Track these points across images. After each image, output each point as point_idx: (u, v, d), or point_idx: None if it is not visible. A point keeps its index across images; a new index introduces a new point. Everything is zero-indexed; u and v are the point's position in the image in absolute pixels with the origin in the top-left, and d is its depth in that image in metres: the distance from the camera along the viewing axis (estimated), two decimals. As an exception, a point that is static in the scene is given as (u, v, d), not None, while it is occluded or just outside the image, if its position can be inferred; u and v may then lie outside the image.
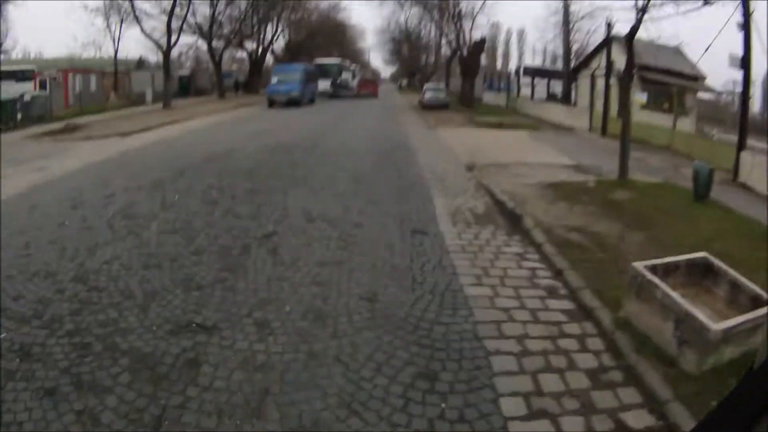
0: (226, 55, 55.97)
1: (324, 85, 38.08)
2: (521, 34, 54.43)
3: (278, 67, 32.05)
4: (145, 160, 11.75)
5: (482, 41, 30.02)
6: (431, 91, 29.14)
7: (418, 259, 5.51)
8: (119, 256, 5.44)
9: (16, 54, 53.57)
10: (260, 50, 41.82)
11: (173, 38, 28.50)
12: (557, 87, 31.80)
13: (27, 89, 25.22)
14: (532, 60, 65.34)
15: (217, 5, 33.68)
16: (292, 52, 49.49)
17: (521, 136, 17.21)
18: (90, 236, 6.12)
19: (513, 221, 7.01)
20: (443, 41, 43.08)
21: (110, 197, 8.02)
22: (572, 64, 28.96)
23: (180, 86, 41.50)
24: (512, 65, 58.89)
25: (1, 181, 8.76)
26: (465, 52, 29.42)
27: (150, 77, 31.71)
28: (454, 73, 47.04)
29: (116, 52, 32.76)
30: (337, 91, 38.22)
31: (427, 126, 19.42)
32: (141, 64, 46.24)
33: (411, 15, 47.71)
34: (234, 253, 5.61)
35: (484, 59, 42.90)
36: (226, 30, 35.74)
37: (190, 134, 16.65)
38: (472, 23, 30.53)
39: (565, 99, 28.32)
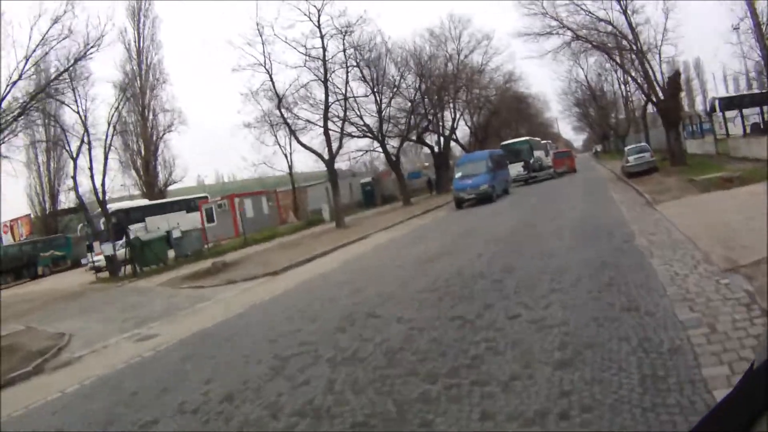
0: (412, 153, 55.16)
1: (516, 169, 33.15)
2: (697, 63, 43.34)
3: (461, 159, 27.57)
4: (268, 321, 8.42)
5: (677, 75, 23.55)
6: (634, 153, 23.29)
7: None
8: None
9: (191, 181, 58.08)
10: (442, 141, 38.30)
11: (335, 145, 26.04)
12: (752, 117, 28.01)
13: (193, 220, 24.91)
14: (717, 89, 53.87)
15: (381, 100, 31.24)
16: (478, 137, 46.04)
17: (760, 193, 11.12)
18: None
19: None
20: (632, 88, 36.16)
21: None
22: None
23: (364, 195, 39.91)
24: (698, 101, 48.00)
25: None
26: (660, 96, 23.06)
27: (325, 191, 29.72)
28: (652, 125, 39.08)
29: (290, 167, 31.54)
30: (532, 174, 32.86)
31: (643, 203, 14.05)
32: (344, 174, 46.48)
33: (589, 66, 41.74)
34: None
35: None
36: (400, 126, 32.93)
37: (347, 267, 12.90)
38: (659, 57, 24.04)
39: None
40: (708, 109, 30.75)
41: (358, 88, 30.66)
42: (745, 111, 25.42)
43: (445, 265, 9.91)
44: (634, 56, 24.42)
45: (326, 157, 25.27)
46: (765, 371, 0.97)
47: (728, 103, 29.08)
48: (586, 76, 47.13)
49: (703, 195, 12.77)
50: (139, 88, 39.02)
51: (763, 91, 28.37)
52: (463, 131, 47.53)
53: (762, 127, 28.71)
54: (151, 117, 39.69)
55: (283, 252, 17.95)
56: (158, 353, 7.65)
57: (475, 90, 41.80)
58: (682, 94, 25.38)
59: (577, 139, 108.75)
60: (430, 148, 37.70)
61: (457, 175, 25.48)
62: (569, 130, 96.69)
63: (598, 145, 70.99)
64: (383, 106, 31.50)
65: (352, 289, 9.24)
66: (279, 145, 29.32)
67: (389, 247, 15.07)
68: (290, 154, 33.40)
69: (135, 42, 39.90)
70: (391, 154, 32.77)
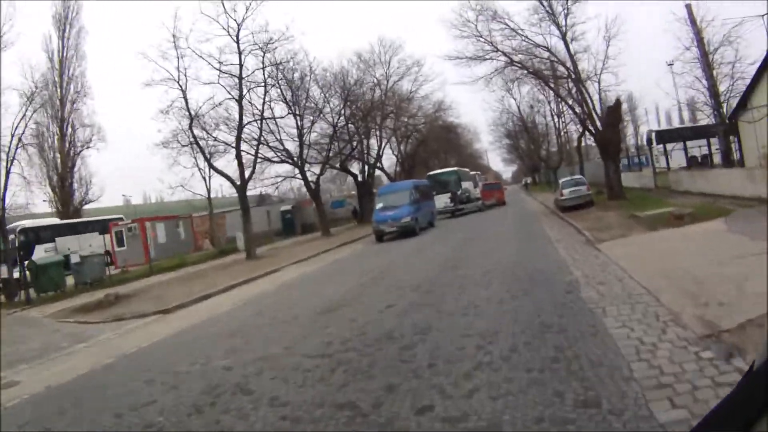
0: (340, 181, 54.06)
1: (442, 200, 32.58)
2: (629, 97, 45.38)
3: (382, 189, 26.37)
4: (126, 383, 6.77)
5: (617, 105, 22.53)
6: (569, 186, 22.36)
7: None
8: None
9: (115, 200, 54.14)
10: (367, 169, 37.42)
11: (249, 170, 24.26)
12: (696, 150, 28.36)
13: (98, 244, 22.72)
14: (655, 122, 56.74)
15: (302, 124, 29.72)
16: (405, 167, 45.63)
17: (719, 232, 10.41)
18: None
19: None
20: (566, 119, 36.78)
21: None
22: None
23: (283, 223, 38.03)
24: (641, 132, 50.45)
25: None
26: (598, 125, 22.33)
27: (241, 218, 28.04)
28: (585, 157, 40.04)
29: (209, 190, 29.37)
30: (459, 207, 32.13)
31: (583, 241, 12.72)
32: (263, 200, 43.72)
33: (522, 97, 42.71)
34: None
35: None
36: (324, 152, 31.77)
37: (240, 312, 10.91)
38: (599, 85, 23.47)
39: (726, 159, 22.58)
40: (645, 141, 30.99)
41: (281, 110, 29.03)
42: (685, 144, 25.62)
43: (348, 318, 8.18)
44: (571, 84, 23.78)
45: (239, 182, 23.38)
46: (765, 371, 0.99)
47: (663, 136, 29.53)
48: (518, 107, 47.59)
49: (652, 233, 11.64)
50: (59, 100, 35.93)
51: (698, 124, 29.31)
52: (390, 160, 46.62)
53: (700, 160, 28.96)
54: (70, 131, 36.56)
55: (184, 285, 16.32)
56: (5, 410, 6.51)
57: (403, 118, 40.94)
58: (622, 125, 24.87)
59: (507, 171, 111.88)
60: (354, 176, 36.58)
61: (378, 205, 23.77)
62: (499, 162, 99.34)
63: (528, 178, 72.99)
64: (304, 130, 30.08)
65: (233, 347, 7.59)
66: (198, 167, 27.50)
67: (293, 286, 13.48)
68: (209, 177, 31.41)
69: (58, 51, 36.83)
70: (312, 181, 31.50)
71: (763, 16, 15.39)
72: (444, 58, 25.16)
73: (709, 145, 26.76)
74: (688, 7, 22.07)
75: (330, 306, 9.49)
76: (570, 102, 25.06)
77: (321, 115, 31.03)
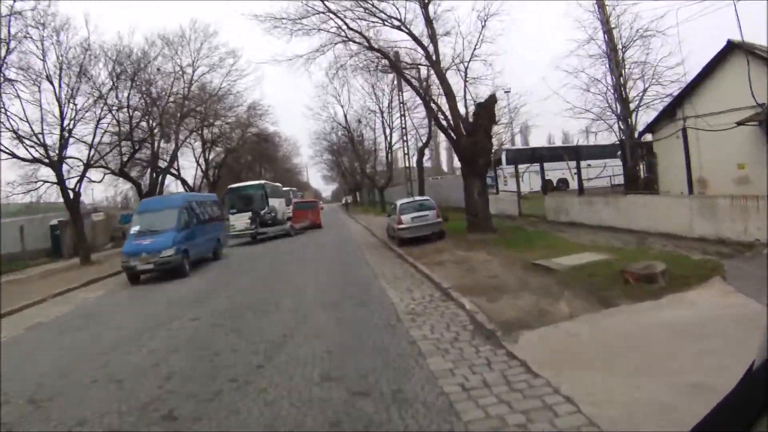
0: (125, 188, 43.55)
1: (243, 221, 26.02)
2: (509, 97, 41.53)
3: (141, 206, 18.04)
4: None
5: (492, 100, 16.88)
6: (411, 211, 16.82)
7: None
8: None
9: None
10: (152, 177, 28.72)
11: None
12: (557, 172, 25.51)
13: None
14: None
15: (63, 111, 21.27)
16: (210, 179, 37.98)
17: (745, 312, 4.11)
18: None
19: None
20: (406, 122, 30.99)
21: None
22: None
23: (53, 240, 27.98)
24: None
25: None
26: (462, 129, 17.15)
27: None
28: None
29: None
30: (262, 230, 25.72)
31: (466, 323, 7.26)
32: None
33: (351, 105, 38.09)
34: None
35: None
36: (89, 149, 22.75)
37: None
38: (465, 75, 18.15)
39: (631, 182, 17.74)
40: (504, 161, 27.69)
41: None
42: (542, 165, 22.05)
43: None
44: (428, 72, 18.68)
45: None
46: (765, 371, 0.97)
47: (516, 156, 26.61)
48: (345, 115, 43.13)
49: (609, 317, 6.50)
50: None
51: (554, 144, 26.38)
52: (194, 173, 39.02)
53: (555, 184, 26.71)
54: None
55: None
56: None
57: (209, 118, 33.89)
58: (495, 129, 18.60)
59: (327, 189, 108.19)
60: (136, 185, 27.93)
61: (133, 229, 16.31)
62: (319, 179, 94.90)
63: (349, 197, 69.16)
64: (68, 119, 21.37)
65: None
66: None
67: None
68: None
69: None
70: (70, 188, 22.36)
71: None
72: (252, 18, 17.71)
73: (542, 170, 24.40)
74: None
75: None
76: (422, 93, 19.67)
77: (105, 103, 22.26)
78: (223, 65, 33.07)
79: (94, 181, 25.27)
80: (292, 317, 8.54)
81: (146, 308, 11.06)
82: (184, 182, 36.02)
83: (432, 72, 18.80)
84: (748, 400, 0.95)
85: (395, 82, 33.64)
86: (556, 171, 25.30)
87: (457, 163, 73.46)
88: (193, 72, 32.27)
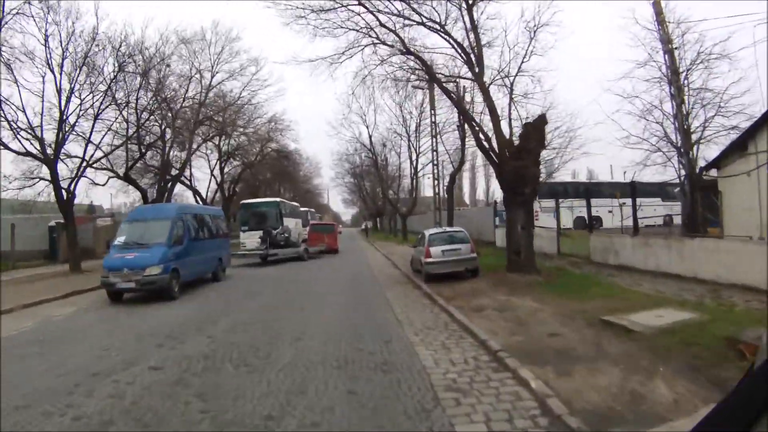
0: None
1: (254, 240, 23.96)
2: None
3: (131, 214, 15.96)
4: None
5: (542, 121, 14.77)
6: (441, 243, 14.57)
7: None
8: None
9: None
10: (160, 185, 26.93)
11: None
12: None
13: None
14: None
15: (62, 103, 19.51)
16: (224, 192, 36.37)
17: None
18: None
19: None
20: (437, 144, 28.12)
21: None
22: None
23: (50, 243, 26.91)
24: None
25: None
26: (506, 153, 14.87)
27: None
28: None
29: None
30: (273, 251, 23.44)
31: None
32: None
33: (376, 126, 35.98)
34: None
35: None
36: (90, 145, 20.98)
37: None
38: (510, 91, 15.81)
39: (691, 223, 16.18)
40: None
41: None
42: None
43: None
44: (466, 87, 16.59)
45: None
46: (765, 372, 0.97)
47: (550, 189, 24.18)
48: (370, 137, 40.93)
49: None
50: None
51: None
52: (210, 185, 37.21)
53: (596, 220, 24.65)
54: None
55: None
56: None
57: (227, 129, 32.10)
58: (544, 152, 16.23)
59: (347, 213, 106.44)
60: (142, 191, 26.05)
61: (117, 240, 13.96)
62: (339, 202, 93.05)
63: (369, 222, 67.01)
64: (70, 112, 19.63)
65: None
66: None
67: None
68: None
69: None
70: (64, 188, 20.63)
71: None
72: (270, 5, 15.25)
73: (588, 206, 21.87)
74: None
75: None
76: (460, 109, 17.46)
77: (113, 99, 20.68)
78: (245, 73, 31.55)
79: (98, 184, 23.50)
80: (285, 381, 6.03)
81: (109, 340, 8.69)
82: (196, 192, 34.31)
83: (468, 88, 16.64)
84: (748, 400, 0.93)
85: (424, 104, 31.74)
86: (590, 208, 23.08)
87: (480, 195, 71.34)
88: (212, 77, 30.80)
